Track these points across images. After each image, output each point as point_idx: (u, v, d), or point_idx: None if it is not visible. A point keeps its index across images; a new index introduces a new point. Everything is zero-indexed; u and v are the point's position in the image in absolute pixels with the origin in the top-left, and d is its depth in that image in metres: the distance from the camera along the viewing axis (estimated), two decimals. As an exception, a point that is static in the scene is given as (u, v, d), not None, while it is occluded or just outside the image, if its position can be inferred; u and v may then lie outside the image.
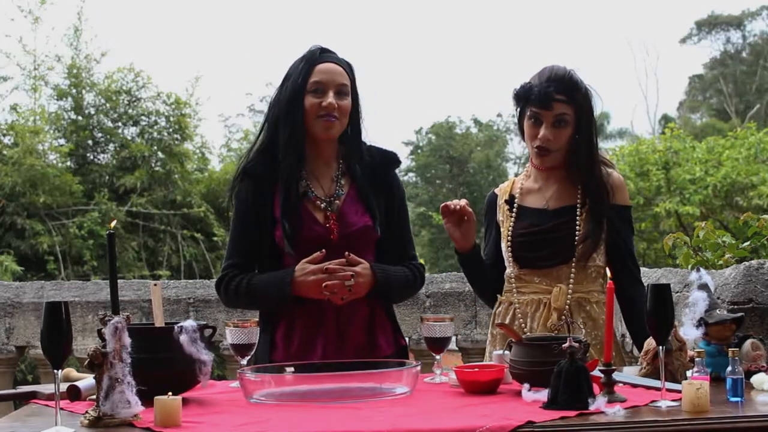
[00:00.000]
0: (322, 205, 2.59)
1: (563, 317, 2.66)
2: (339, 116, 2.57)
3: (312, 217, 2.57)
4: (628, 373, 2.36)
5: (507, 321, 2.77)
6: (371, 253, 2.63)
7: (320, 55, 2.60)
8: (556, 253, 2.73)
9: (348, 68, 2.63)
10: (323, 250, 2.49)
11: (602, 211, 2.74)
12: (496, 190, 2.95)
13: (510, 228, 2.81)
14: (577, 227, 2.73)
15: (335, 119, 2.57)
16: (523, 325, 2.73)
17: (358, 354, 2.53)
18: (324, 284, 2.46)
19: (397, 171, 2.79)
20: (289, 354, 2.54)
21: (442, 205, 2.72)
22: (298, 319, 2.57)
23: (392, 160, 2.73)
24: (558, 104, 2.69)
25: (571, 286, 2.71)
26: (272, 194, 2.60)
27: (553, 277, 2.74)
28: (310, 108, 2.56)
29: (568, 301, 2.70)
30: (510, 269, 2.81)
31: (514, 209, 2.82)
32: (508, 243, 2.79)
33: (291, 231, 2.52)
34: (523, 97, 2.74)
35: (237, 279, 2.59)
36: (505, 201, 2.86)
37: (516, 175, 3.04)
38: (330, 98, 2.55)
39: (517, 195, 2.86)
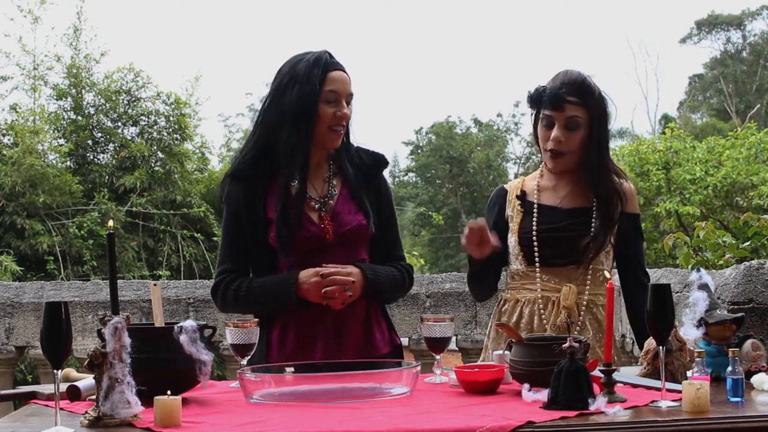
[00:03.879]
0: (316, 206, 2.59)
1: (570, 316, 2.67)
2: (344, 125, 2.59)
3: (307, 217, 2.57)
4: (629, 374, 2.36)
5: (514, 319, 2.77)
6: (366, 251, 2.64)
7: (330, 61, 2.58)
8: (568, 253, 2.73)
9: (348, 74, 2.64)
10: (337, 266, 2.49)
11: (611, 218, 2.73)
12: (506, 186, 2.94)
13: (522, 224, 2.80)
14: (592, 230, 2.73)
15: (343, 129, 2.59)
16: (529, 323, 2.73)
17: (357, 352, 2.54)
18: (324, 290, 2.46)
19: (394, 171, 2.80)
20: (285, 356, 2.54)
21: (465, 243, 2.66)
22: (293, 320, 2.57)
23: (381, 161, 2.73)
24: (570, 106, 2.68)
25: (587, 286, 2.72)
26: (264, 195, 2.59)
27: (562, 276, 2.74)
28: (325, 117, 2.55)
29: (584, 302, 2.71)
30: (517, 266, 2.81)
31: (534, 207, 2.81)
32: (520, 239, 2.79)
33: (288, 234, 2.52)
34: (536, 99, 2.73)
35: (235, 284, 2.59)
36: (517, 196, 2.85)
37: (519, 175, 3.04)
38: (345, 108, 2.56)
39: (528, 192, 2.85)
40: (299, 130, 2.54)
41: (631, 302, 2.80)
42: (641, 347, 2.65)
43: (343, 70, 2.60)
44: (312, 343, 2.55)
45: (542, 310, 2.74)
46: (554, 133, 2.70)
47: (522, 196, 2.84)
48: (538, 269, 2.76)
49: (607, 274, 2.29)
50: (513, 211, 2.84)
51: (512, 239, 2.81)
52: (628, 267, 2.80)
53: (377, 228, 2.65)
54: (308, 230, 2.55)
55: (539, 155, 2.92)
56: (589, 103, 2.70)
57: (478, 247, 2.63)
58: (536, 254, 2.75)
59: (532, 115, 2.81)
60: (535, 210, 2.80)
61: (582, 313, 2.72)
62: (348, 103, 2.59)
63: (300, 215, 2.54)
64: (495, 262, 2.82)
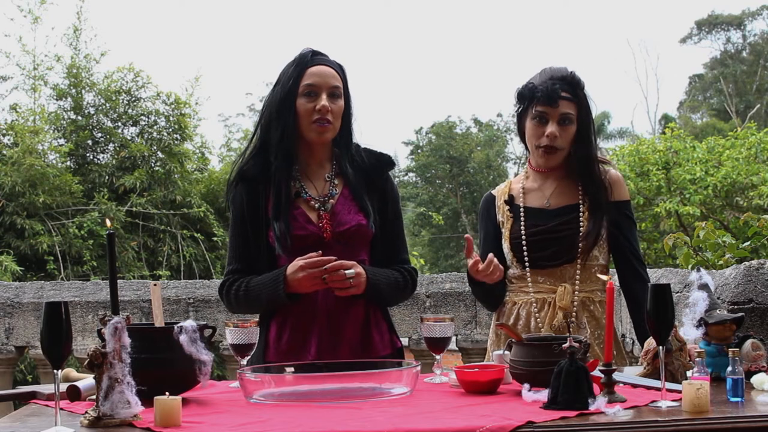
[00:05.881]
0: (316, 205, 2.60)
1: (567, 317, 2.67)
2: (332, 119, 2.58)
3: (305, 216, 2.58)
4: (629, 373, 2.36)
5: (511, 321, 2.77)
6: (366, 252, 2.64)
7: (312, 57, 2.60)
8: (559, 253, 2.73)
9: (340, 70, 2.64)
10: (319, 251, 2.49)
11: (601, 209, 2.75)
12: (493, 191, 2.95)
13: (511, 229, 2.81)
14: (581, 226, 2.74)
15: (329, 123, 2.58)
16: (526, 325, 2.74)
17: (353, 353, 2.54)
18: (323, 277, 2.45)
19: (394, 172, 2.79)
20: (281, 354, 2.55)
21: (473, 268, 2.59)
22: (290, 319, 2.57)
23: (386, 162, 2.73)
24: (564, 102, 2.71)
25: (577, 285, 2.72)
26: (266, 196, 2.60)
27: (557, 276, 2.75)
28: (304, 112, 2.57)
29: (575, 301, 2.71)
30: (512, 269, 2.81)
31: (521, 211, 2.81)
32: (511, 244, 2.79)
33: (281, 231, 2.53)
34: (528, 96, 2.75)
35: (236, 284, 2.60)
36: (505, 201, 2.85)
37: (515, 175, 3.04)
38: (323, 101, 2.55)
39: (515, 195, 2.86)
40: (281, 127, 2.58)
41: (630, 294, 2.79)
42: (640, 340, 2.66)
43: (327, 65, 2.61)
44: (306, 341, 2.56)
45: (537, 312, 2.74)
46: (549, 129, 2.72)
47: (510, 201, 2.85)
48: (528, 272, 2.76)
49: (604, 277, 2.29)
50: (503, 216, 2.85)
51: (505, 245, 2.82)
52: (624, 257, 2.80)
53: (381, 229, 2.65)
54: (306, 229, 2.56)
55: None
56: (579, 97, 2.75)
57: (489, 275, 2.62)
58: (526, 258, 2.76)
59: (518, 111, 2.82)
60: (522, 213, 2.80)
61: (578, 311, 2.72)
62: (336, 97, 2.59)
63: (288, 209, 2.55)
64: (496, 288, 2.81)
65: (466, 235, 2.63)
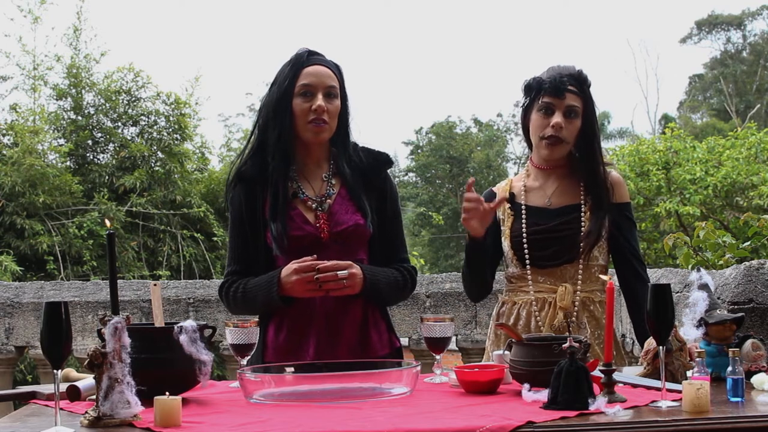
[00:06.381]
0: (313, 206, 2.60)
1: (567, 317, 2.67)
2: (328, 119, 2.58)
3: (302, 217, 2.58)
4: (629, 373, 2.36)
5: (511, 321, 2.77)
6: (364, 252, 2.63)
7: (308, 57, 2.60)
8: (560, 253, 2.73)
9: (336, 70, 2.63)
10: (314, 255, 2.48)
11: (603, 209, 2.75)
12: (494, 188, 2.95)
13: (512, 227, 2.80)
14: (582, 226, 2.74)
15: (325, 123, 2.58)
16: (526, 325, 2.73)
17: (351, 353, 2.54)
18: (315, 277, 2.44)
19: (394, 172, 2.79)
20: (279, 353, 2.55)
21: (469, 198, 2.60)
22: (287, 320, 2.57)
23: (384, 161, 2.72)
24: (570, 95, 2.72)
25: (578, 285, 2.72)
26: (264, 197, 2.60)
27: (558, 276, 2.74)
28: (300, 112, 2.57)
29: (575, 301, 2.71)
30: (513, 269, 2.81)
31: (522, 209, 2.81)
32: (511, 242, 2.79)
33: (278, 232, 2.53)
34: (535, 87, 2.76)
35: (234, 286, 2.61)
36: (506, 199, 2.85)
37: (515, 174, 3.03)
38: (319, 101, 2.55)
39: (516, 193, 2.85)
40: (278, 127, 2.58)
41: (630, 294, 2.79)
42: (640, 340, 2.66)
43: (323, 64, 2.60)
44: (304, 342, 2.55)
45: (538, 312, 2.74)
46: (555, 119, 2.72)
47: (511, 198, 2.85)
48: (529, 272, 2.76)
49: (605, 277, 2.29)
50: (504, 214, 2.85)
51: (505, 243, 2.82)
52: (624, 258, 2.80)
53: (380, 228, 2.65)
54: (303, 229, 2.56)
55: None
56: (586, 93, 2.76)
57: (480, 221, 2.60)
58: (527, 257, 2.76)
59: (524, 104, 2.82)
60: (523, 212, 2.80)
61: (578, 311, 2.72)
62: (332, 96, 2.59)
63: (285, 209, 2.55)
64: (491, 257, 2.82)
65: (470, 179, 2.63)
